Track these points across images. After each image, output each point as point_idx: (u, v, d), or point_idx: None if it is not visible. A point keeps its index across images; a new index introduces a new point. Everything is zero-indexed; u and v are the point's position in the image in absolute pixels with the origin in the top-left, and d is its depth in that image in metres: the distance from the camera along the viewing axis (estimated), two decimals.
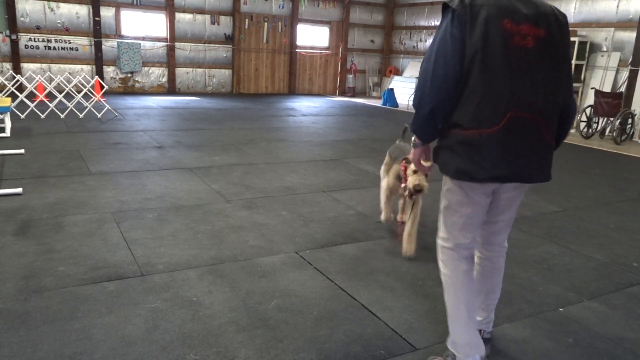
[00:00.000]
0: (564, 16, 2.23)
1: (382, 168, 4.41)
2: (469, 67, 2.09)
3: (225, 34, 15.22)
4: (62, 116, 9.29)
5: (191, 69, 15.00)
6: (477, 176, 2.15)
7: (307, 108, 13.07)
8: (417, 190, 3.47)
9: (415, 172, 3.45)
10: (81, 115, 9.42)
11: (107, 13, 13.60)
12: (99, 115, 9.65)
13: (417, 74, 15.49)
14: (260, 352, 2.51)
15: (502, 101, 2.09)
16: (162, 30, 14.41)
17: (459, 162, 2.17)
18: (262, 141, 8.15)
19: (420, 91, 2.20)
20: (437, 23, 15.72)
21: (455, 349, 2.37)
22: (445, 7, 2.16)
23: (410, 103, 14.93)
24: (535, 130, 2.15)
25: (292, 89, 16.59)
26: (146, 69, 14.38)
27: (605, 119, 10.15)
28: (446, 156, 2.23)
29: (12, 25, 12.55)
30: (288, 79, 16.50)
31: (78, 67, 13.48)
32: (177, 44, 14.55)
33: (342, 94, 17.29)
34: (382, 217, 4.29)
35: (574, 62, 10.97)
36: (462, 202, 2.29)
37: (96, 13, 13.35)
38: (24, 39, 12.81)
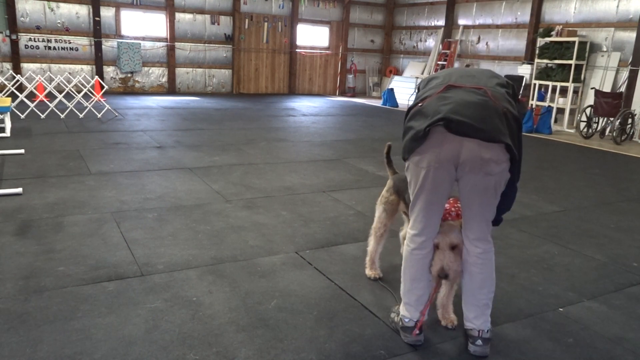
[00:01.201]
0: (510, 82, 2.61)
1: (379, 201, 3.36)
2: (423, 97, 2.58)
3: (225, 34, 15.22)
4: (62, 116, 9.29)
5: (191, 69, 15.01)
6: (420, 128, 2.34)
7: (307, 108, 13.07)
8: (441, 276, 2.59)
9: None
10: (81, 115, 9.42)
11: (107, 13, 13.61)
12: (99, 115, 9.65)
13: (417, 73, 15.57)
14: (260, 352, 2.51)
15: (444, 82, 2.48)
16: (162, 30, 14.42)
17: (410, 133, 2.43)
18: (262, 141, 8.15)
19: None
20: (437, 23, 15.79)
21: (402, 304, 2.68)
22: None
23: (410, 103, 14.93)
24: (478, 93, 2.37)
25: (292, 89, 16.59)
26: (146, 69, 14.38)
27: (605, 119, 10.15)
28: (405, 139, 2.48)
29: (12, 25, 12.56)
30: (288, 79, 16.50)
31: (78, 67, 13.48)
32: (177, 44, 14.56)
33: (342, 94, 17.29)
34: (369, 272, 3.42)
35: (573, 62, 10.98)
36: (416, 177, 2.49)
37: (96, 13, 13.36)
38: (24, 39, 12.82)
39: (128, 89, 14.28)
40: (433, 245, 2.59)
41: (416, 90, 2.69)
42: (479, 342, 2.54)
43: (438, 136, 2.34)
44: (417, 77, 15.04)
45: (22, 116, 9.03)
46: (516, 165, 2.42)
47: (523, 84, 12.39)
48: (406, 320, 2.63)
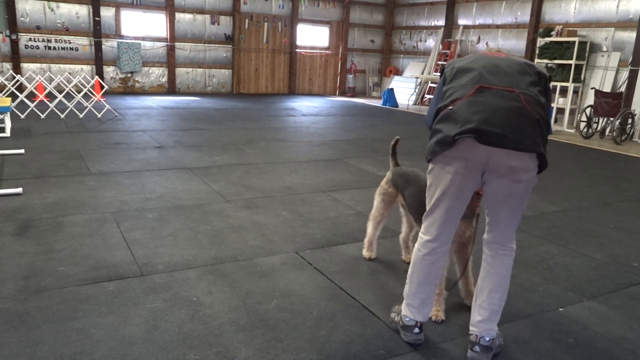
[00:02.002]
0: (542, 69, 2.50)
1: (378, 191, 3.55)
2: (449, 83, 2.51)
3: (225, 34, 15.22)
4: (62, 116, 9.29)
5: (191, 69, 15.00)
6: (450, 135, 2.28)
7: (307, 108, 13.07)
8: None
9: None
10: (81, 115, 9.42)
11: (107, 13, 13.61)
12: (99, 115, 9.65)
13: (417, 73, 15.57)
14: (260, 352, 2.51)
15: (474, 81, 2.37)
16: (162, 30, 14.41)
17: (439, 136, 2.36)
18: (262, 141, 8.15)
19: None
20: (437, 23, 15.79)
21: (404, 304, 2.67)
22: (442, 71, 2.69)
23: (410, 103, 14.99)
24: (509, 97, 2.27)
25: (292, 89, 16.59)
26: (146, 69, 14.38)
27: (605, 119, 10.15)
28: (431, 141, 2.42)
29: (12, 25, 12.56)
30: (288, 79, 16.50)
31: (78, 67, 13.48)
32: (177, 44, 14.56)
33: (342, 94, 17.29)
34: (365, 253, 3.71)
35: (573, 62, 10.98)
36: (439, 182, 2.43)
37: (96, 13, 13.35)
38: (24, 39, 12.82)
39: (128, 89, 14.28)
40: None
41: (441, 76, 2.57)
42: (477, 348, 2.52)
43: (467, 144, 2.28)
44: (417, 77, 15.04)
45: (22, 116, 9.03)
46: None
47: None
48: (407, 319, 2.63)
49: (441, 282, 2.87)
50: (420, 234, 2.61)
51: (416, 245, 2.61)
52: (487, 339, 2.53)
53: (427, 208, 2.53)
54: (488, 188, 2.40)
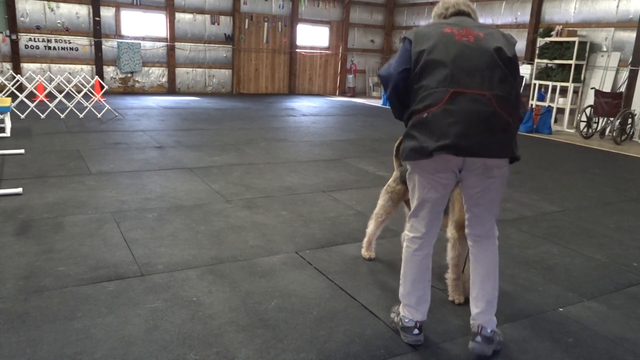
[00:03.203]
0: (510, 36, 2.52)
1: (385, 190, 3.52)
2: (414, 66, 2.42)
3: (225, 34, 15.22)
4: (62, 116, 9.29)
5: (191, 69, 15.01)
6: (427, 148, 2.31)
7: (307, 108, 13.07)
8: None
9: None
10: (81, 115, 9.42)
11: (107, 13, 13.61)
12: (99, 115, 9.65)
13: None
14: (260, 352, 2.51)
15: (447, 82, 2.33)
16: (162, 30, 14.42)
17: (413, 142, 2.39)
18: (262, 141, 8.15)
19: None
20: None
21: (401, 305, 2.70)
22: (404, 38, 2.55)
23: None
24: (483, 103, 2.30)
25: (292, 89, 16.59)
26: (146, 69, 14.38)
27: (605, 119, 10.15)
28: (405, 142, 2.45)
29: (12, 25, 12.56)
30: (288, 79, 16.50)
31: (78, 67, 13.48)
32: (177, 44, 14.56)
33: (342, 94, 17.29)
34: (364, 252, 3.71)
35: (573, 62, 10.98)
36: (422, 184, 2.50)
37: (96, 13, 13.36)
38: (24, 39, 12.82)
39: (128, 89, 14.28)
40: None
41: (403, 41, 2.52)
42: (478, 338, 2.53)
43: (443, 156, 2.36)
44: None
45: (22, 116, 9.03)
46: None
47: (523, 84, 12.38)
48: (406, 320, 2.64)
49: (455, 267, 3.06)
50: (407, 232, 2.68)
51: (405, 243, 2.67)
52: (489, 330, 2.55)
53: (412, 208, 2.61)
54: (465, 184, 2.50)
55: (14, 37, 12.60)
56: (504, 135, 2.33)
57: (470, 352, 2.57)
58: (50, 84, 10.33)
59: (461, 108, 2.29)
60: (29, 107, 9.34)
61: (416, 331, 2.62)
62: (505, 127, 2.33)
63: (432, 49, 2.38)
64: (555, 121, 11.61)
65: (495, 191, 2.49)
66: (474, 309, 2.60)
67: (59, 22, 13.16)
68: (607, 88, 10.89)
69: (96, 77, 11.04)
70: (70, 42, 13.34)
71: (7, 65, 12.69)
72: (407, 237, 2.65)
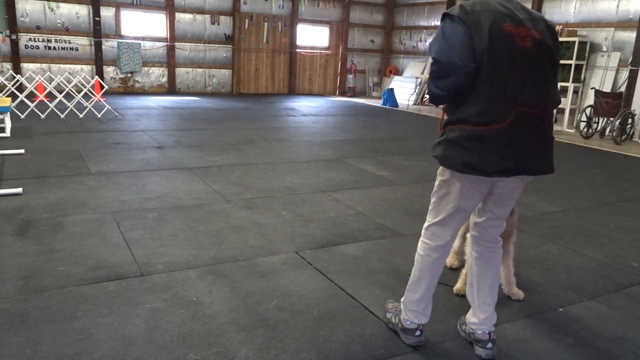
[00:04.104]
0: (551, 22, 2.40)
1: None
2: (478, 65, 2.19)
3: (225, 34, 15.21)
4: (62, 116, 9.29)
5: (191, 69, 15.00)
6: (487, 170, 2.23)
7: (307, 108, 13.07)
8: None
9: None
10: (81, 115, 9.42)
11: (107, 13, 13.61)
12: (99, 115, 9.65)
13: (417, 74, 15.57)
14: (260, 352, 2.51)
15: (511, 97, 2.21)
16: (162, 30, 14.41)
17: (466, 156, 2.25)
18: (262, 141, 8.15)
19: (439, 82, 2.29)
20: (437, 23, 15.72)
21: (404, 310, 2.64)
22: (446, 16, 2.28)
23: (410, 103, 14.99)
24: (539, 123, 2.27)
25: (292, 89, 16.59)
26: (146, 69, 14.38)
27: (605, 119, 10.15)
28: (450, 150, 2.30)
29: (12, 25, 12.55)
30: (288, 79, 16.50)
31: (78, 67, 13.48)
32: (177, 44, 14.56)
33: (342, 94, 17.29)
34: (448, 260, 3.53)
35: (573, 62, 10.98)
36: (462, 193, 2.38)
37: (96, 13, 13.35)
38: (24, 39, 12.81)
39: (128, 89, 14.28)
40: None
41: (461, 27, 2.20)
42: (490, 345, 2.54)
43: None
44: (417, 77, 15.03)
45: (22, 116, 9.03)
46: None
47: None
48: (407, 322, 2.62)
49: (508, 262, 3.08)
50: (426, 240, 2.56)
51: (423, 252, 2.56)
52: (493, 331, 2.58)
53: (438, 216, 2.48)
54: (493, 190, 2.43)
55: (14, 37, 12.60)
56: (550, 151, 2.34)
57: (471, 352, 2.57)
58: (50, 84, 10.33)
59: (523, 130, 2.22)
60: (29, 107, 9.33)
61: (418, 332, 2.61)
62: (551, 144, 2.34)
63: (494, 52, 2.18)
64: (556, 121, 11.61)
65: (519, 191, 2.48)
66: (481, 314, 2.57)
67: (59, 22, 13.16)
68: (607, 88, 10.89)
69: (96, 77, 11.03)
70: (70, 42, 13.33)
71: (7, 65, 12.69)
72: (428, 246, 2.54)
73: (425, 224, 2.58)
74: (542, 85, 2.27)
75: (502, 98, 2.20)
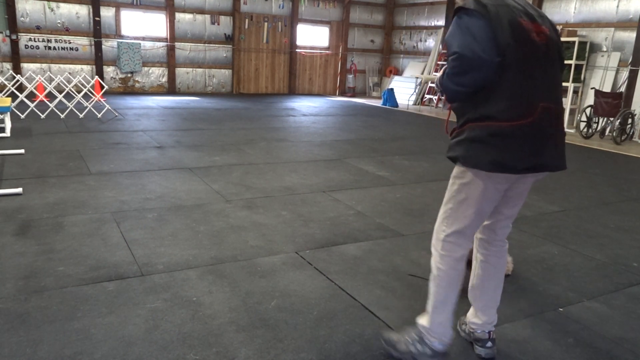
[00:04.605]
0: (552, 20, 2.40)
1: None
2: (502, 59, 2.13)
3: (225, 34, 15.21)
4: (62, 116, 9.29)
5: (191, 69, 15.00)
6: (516, 166, 2.18)
7: (307, 108, 13.07)
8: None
9: None
10: (81, 115, 9.42)
11: (107, 13, 13.61)
12: (99, 115, 9.65)
13: (417, 74, 15.56)
14: (260, 352, 2.51)
15: (535, 92, 2.18)
16: (162, 30, 14.41)
17: (493, 154, 2.16)
18: (262, 141, 8.15)
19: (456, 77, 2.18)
20: (437, 23, 15.79)
21: (428, 332, 2.43)
22: (461, 9, 2.19)
23: (410, 103, 14.99)
24: (557, 119, 2.26)
25: (292, 89, 16.59)
26: (146, 69, 14.38)
27: (605, 119, 10.15)
28: (475, 149, 2.20)
29: (12, 25, 12.55)
30: (288, 79, 16.50)
31: (78, 67, 13.48)
32: (177, 44, 14.56)
33: (342, 94, 17.29)
34: None
35: (573, 62, 10.98)
36: (484, 195, 2.29)
37: (96, 13, 13.35)
38: (24, 39, 12.82)
39: (128, 89, 14.28)
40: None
41: (481, 20, 2.12)
42: (490, 344, 2.53)
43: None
44: (417, 77, 15.03)
45: (22, 116, 9.03)
46: None
47: None
48: (437, 344, 2.42)
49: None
50: (447, 252, 2.38)
51: (446, 266, 2.37)
52: (493, 333, 2.57)
53: (459, 224, 2.35)
54: (510, 189, 2.37)
55: (14, 37, 12.60)
56: (564, 147, 2.32)
57: (471, 352, 2.56)
58: (50, 84, 10.33)
59: (546, 125, 2.19)
60: (29, 107, 9.33)
61: (447, 347, 2.46)
62: (564, 140, 2.33)
63: (517, 45, 2.13)
64: None
65: (527, 193, 2.45)
66: (483, 316, 2.55)
67: (59, 22, 13.16)
68: (607, 88, 10.89)
69: (96, 77, 11.03)
70: (70, 42, 13.33)
71: (7, 65, 12.69)
72: (451, 258, 2.36)
73: (441, 235, 2.40)
74: (557, 80, 2.29)
75: (527, 93, 2.16)
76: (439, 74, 2.34)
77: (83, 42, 13.45)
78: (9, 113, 7.65)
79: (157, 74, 14.58)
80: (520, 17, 2.17)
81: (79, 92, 10.20)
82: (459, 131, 2.29)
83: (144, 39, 14.17)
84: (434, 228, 2.49)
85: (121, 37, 13.87)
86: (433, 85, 14.91)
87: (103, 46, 13.63)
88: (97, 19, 13.37)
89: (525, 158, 2.17)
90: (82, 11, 13.34)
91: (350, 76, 17.34)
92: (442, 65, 15.10)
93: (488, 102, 2.17)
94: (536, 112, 2.16)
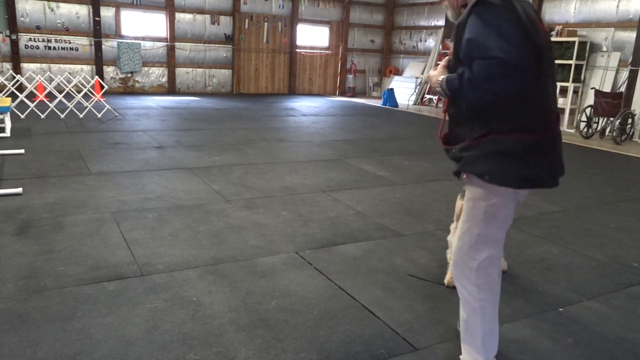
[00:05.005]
0: None
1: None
2: (538, 64, 1.94)
3: (225, 34, 15.21)
4: (62, 116, 9.29)
5: (191, 69, 15.00)
6: (547, 182, 2.04)
7: (307, 108, 13.07)
8: None
9: None
10: (81, 115, 9.42)
11: (107, 13, 13.60)
12: (99, 115, 9.65)
13: (417, 73, 15.56)
14: (260, 352, 2.51)
15: (553, 100, 2.08)
16: (162, 30, 14.41)
17: (526, 170, 1.99)
18: (262, 141, 8.15)
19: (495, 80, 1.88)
20: (437, 23, 15.78)
21: None
22: (482, 3, 1.93)
23: (410, 103, 14.97)
24: (559, 125, 2.17)
25: (292, 89, 16.58)
26: (146, 69, 14.37)
27: (605, 119, 10.15)
28: (503, 164, 1.99)
29: (12, 25, 12.55)
30: (288, 79, 16.50)
31: (78, 67, 13.48)
32: (177, 44, 14.55)
33: (342, 94, 17.29)
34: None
35: (573, 62, 10.98)
36: (510, 211, 2.14)
37: (96, 13, 13.35)
38: (24, 39, 12.81)
39: (128, 89, 14.28)
40: None
41: (513, 14, 1.89)
42: None
43: None
44: (417, 77, 15.03)
45: (22, 116, 9.03)
46: None
47: None
48: None
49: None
50: (482, 280, 2.19)
51: (489, 290, 2.19)
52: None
53: (491, 250, 2.16)
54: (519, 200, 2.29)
55: (14, 37, 12.59)
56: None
57: None
58: (50, 84, 10.32)
59: (558, 138, 2.11)
60: (29, 107, 9.33)
61: None
62: None
63: (546, 48, 1.97)
64: None
65: None
66: (495, 350, 2.37)
67: (59, 22, 13.16)
68: (607, 88, 10.89)
69: (96, 77, 11.03)
70: (70, 42, 13.33)
71: (7, 65, 12.69)
72: (491, 279, 2.19)
73: (473, 264, 2.17)
74: (555, 89, 2.20)
75: (551, 100, 2.02)
76: (440, 76, 2.09)
77: (83, 42, 13.45)
78: (9, 113, 7.64)
79: (157, 74, 14.58)
80: (534, 12, 1.99)
81: (79, 92, 10.20)
82: (475, 142, 2.04)
83: (144, 39, 14.17)
84: (454, 259, 2.25)
85: (121, 37, 13.87)
86: (430, 84, 14.90)
87: (103, 46, 13.63)
88: (97, 19, 13.37)
89: (552, 170, 2.07)
90: (82, 11, 13.34)
91: (350, 76, 17.34)
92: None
93: (521, 110, 1.96)
94: (555, 121, 2.07)
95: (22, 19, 12.75)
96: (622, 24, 10.91)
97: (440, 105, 15.03)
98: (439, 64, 2.23)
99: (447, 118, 2.26)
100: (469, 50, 1.92)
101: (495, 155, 2.00)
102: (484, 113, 2.02)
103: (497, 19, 1.87)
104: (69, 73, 12.18)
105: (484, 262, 2.16)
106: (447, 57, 2.20)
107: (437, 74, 2.13)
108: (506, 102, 1.94)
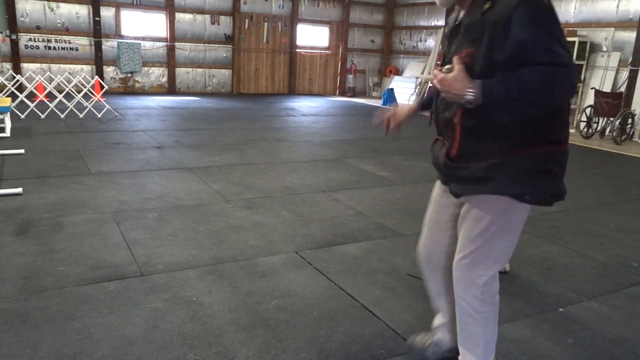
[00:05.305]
0: None
1: None
2: None
3: (225, 34, 15.21)
4: (62, 116, 9.29)
5: (191, 69, 15.00)
6: (564, 194, 1.96)
7: (307, 108, 13.07)
8: None
9: None
10: (81, 115, 9.42)
11: (107, 13, 13.60)
12: (99, 115, 9.65)
13: (417, 74, 15.55)
14: (260, 352, 2.51)
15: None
16: (162, 30, 14.41)
17: (558, 185, 1.91)
18: (262, 141, 8.15)
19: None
20: (437, 23, 15.77)
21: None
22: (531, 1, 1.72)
23: (411, 103, 14.88)
24: None
25: (292, 89, 16.58)
26: (146, 69, 14.37)
27: (605, 119, 10.15)
28: (544, 182, 1.87)
29: (12, 25, 12.55)
30: (288, 79, 16.50)
31: (78, 67, 13.48)
32: (177, 44, 14.55)
33: (342, 94, 17.29)
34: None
35: (574, 62, 10.98)
36: (519, 229, 2.09)
37: (96, 13, 13.35)
38: (24, 39, 12.81)
39: (128, 89, 14.28)
40: None
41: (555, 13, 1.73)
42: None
43: None
44: (417, 77, 15.02)
45: (22, 116, 9.03)
46: None
47: None
48: None
49: None
50: (492, 294, 2.13)
51: (492, 303, 2.15)
52: None
53: (503, 261, 2.12)
54: None
55: (14, 37, 12.59)
56: None
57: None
58: (50, 84, 10.32)
59: None
60: (29, 107, 9.33)
61: None
62: None
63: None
64: None
65: None
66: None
67: (59, 22, 13.16)
68: (607, 88, 10.89)
69: (96, 77, 11.03)
70: (70, 42, 13.33)
71: (7, 65, 12.69)
72: (494, 292, 2.15)
73: (479, 280, 2.07)
74: None
75: (568, 109, 1.94)
76: (467, 82, 1.75)
77: (83, 42, 13.45)
78: (9, 113, 7.65)
79: (157, 74, 14.58)
80: None
81: (79, 92, 10.20)
82: (508, 159, 1.85)
83: (144, 39, 14.17)
84: (457, 275, 2.17)
85: (121, 37, 13.86)
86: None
87: (103, 46, 13.63)
88: (97, 19, 13.37)
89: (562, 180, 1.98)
90: (82, 11, 13.34)
91: (350, 76, 17.34)
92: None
93: (555, 121, 1.82)
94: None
95: (22, 19, 12.75)
96: (622, 24, 10.91)
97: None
98: (439, 64, 2.07)
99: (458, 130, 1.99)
100: (521, 54, 1.69)
101: (532, 173, 1.85)
102: (522, 125, 1.81)
103: (552, 20, 1.71)
104: (69, 73, 12.18)
105: (491, 278, 2.09)
106: (456, 58, 1.83)
107: (460, 79, 1.76)
108: (551, 112, 1.81)
